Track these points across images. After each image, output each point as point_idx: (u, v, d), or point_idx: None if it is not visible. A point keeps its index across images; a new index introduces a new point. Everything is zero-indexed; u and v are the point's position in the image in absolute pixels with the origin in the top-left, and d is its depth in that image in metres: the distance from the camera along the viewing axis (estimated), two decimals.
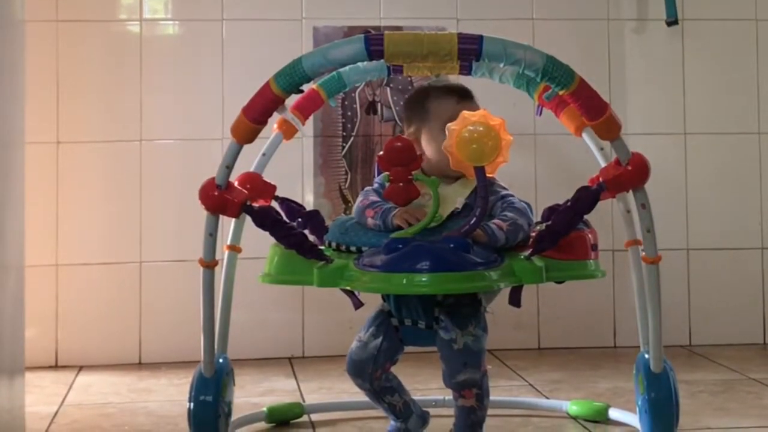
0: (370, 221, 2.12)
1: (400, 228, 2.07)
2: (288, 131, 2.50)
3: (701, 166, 3.71)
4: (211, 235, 2.08)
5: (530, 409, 2.70)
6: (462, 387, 2.09)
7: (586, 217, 2.08)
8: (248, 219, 2.11)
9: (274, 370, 3.28)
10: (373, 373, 2.18)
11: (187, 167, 3.45)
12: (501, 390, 2.79)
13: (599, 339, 3.61)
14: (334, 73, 2.44)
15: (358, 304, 2.14)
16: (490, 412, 2.16)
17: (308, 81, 2.06)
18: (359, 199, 2.20)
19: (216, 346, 2.22)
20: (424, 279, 1.91)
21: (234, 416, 2.38)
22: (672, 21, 3.66)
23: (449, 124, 2.08)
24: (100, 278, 3.47)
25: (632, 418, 2.43)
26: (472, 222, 2.01)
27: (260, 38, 3.51)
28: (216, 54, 3.52)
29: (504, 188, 2.19)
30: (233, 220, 2.30)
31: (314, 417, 2.67)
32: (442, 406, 2.52)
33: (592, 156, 2.35)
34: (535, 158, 3.61)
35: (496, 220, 2.08)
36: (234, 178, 2.18)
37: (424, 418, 2.30)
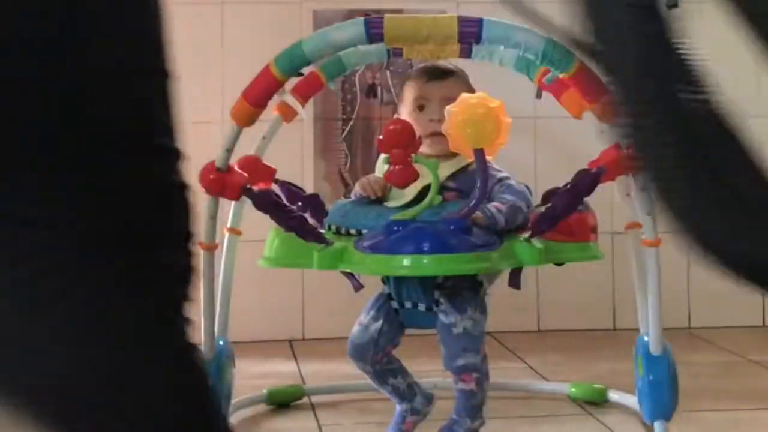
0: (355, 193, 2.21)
1: (364, 197, 2.15)
2: (288, 114, 2.50)
3: None
4: (212, 218, 2.09)
5: (530, 392, 2.71)
6: (461, 371, 2.09)
7: (586, 199, 2.08)
8: (248, 202, 2.12)
9: (275, 353, 3.29)
10: (375, 356, 2.19)
11: (187, 150, 3.44)
12: (501, 372, 2.80)
13: (599, 321, 3.62)
14: (334, 56, 2.44)
15: (358, 287, 2.15)
16: (490, 394, 2.17)
17: (308, 64, 2.06)
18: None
19: (216, 329, 2.23)
20: (423, 261, 1.91)
21: (234, 399, 2.39)
22: (672, 4, 3.66)
23: (448, 106, 2.08)
24: None
25: (631, 400, 2.44)
26: (472, 204, 2.02)
27: (260, 21, 3.51)
28: (216, 37, 3.52)
29: (499, 171, 2.18)
30: (233, 203, 2.31)
31: (315, 399, 2.68)
32: (441, 388, 2.53)
33: (593, 139, 2.35)
34: (535, 141, 3.61)
35: (495, 203, 2.08)
36: (234, 161, 2.19)
37: (429, 399, 2.30)
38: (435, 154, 2.15)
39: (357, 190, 2.19)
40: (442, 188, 2.10)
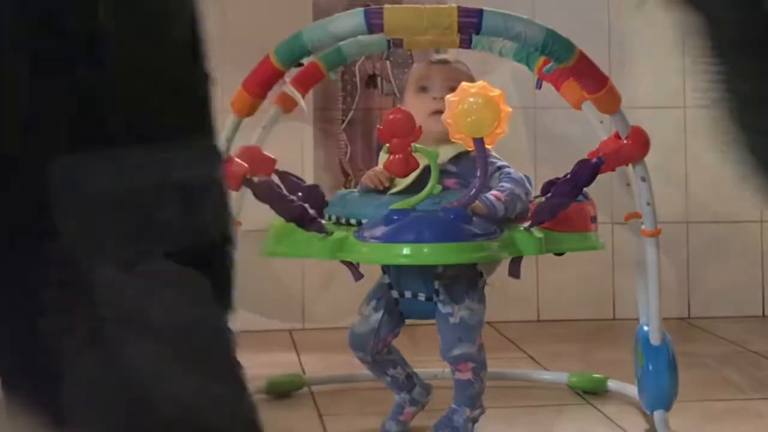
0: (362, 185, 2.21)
1: (371, 189, 2.13)
2: (288, 105, 2.50)
3: (701, 139, 3.71)
4: None
5: (530, 381, 2.71)
6: (457, 361, 2.10)
7: (585, 189, 2.09)
8: (248, 193, 2.12)
9: (275, 343, 3.29)
10: (375, 346, 2.19)
11: None
12: (500, 362, 2.80)
13: (598, 311, 3.62)
14: (334, 46, 2.44)
15: (358, 276, 2.15)
16: (489, 383, 2.17)
17: (308, 54, 2.06)
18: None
19: None
20: (423, 250, 1.92)
21: None
22: None
23: (448, 96, 2.08)
24: None
25: (631, 390, 2.44)
26: (471, 193, 2.02)
27: (261, 12, 3.50)
28: (215, 27, 3.51)
29: (499, 159, 2.19)
30: (233, 193, 2.31)
31: (315, 389, 2.68)
32: (441, 378, 2.53)
33: (592, 129, 2.35)
34: (534, 131, 3.61)
35: (494, 191, 2.08)
36: (234, 152, 2.19)
37: (428, 389, 2.31)
38: (438, 132, 2.13)
39: (363, 183, 2.19)
40: (443, 172, 2.11)
